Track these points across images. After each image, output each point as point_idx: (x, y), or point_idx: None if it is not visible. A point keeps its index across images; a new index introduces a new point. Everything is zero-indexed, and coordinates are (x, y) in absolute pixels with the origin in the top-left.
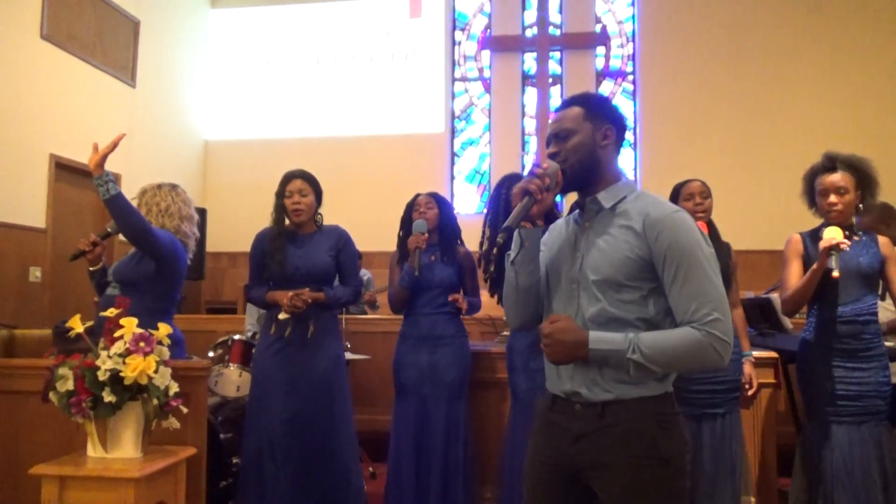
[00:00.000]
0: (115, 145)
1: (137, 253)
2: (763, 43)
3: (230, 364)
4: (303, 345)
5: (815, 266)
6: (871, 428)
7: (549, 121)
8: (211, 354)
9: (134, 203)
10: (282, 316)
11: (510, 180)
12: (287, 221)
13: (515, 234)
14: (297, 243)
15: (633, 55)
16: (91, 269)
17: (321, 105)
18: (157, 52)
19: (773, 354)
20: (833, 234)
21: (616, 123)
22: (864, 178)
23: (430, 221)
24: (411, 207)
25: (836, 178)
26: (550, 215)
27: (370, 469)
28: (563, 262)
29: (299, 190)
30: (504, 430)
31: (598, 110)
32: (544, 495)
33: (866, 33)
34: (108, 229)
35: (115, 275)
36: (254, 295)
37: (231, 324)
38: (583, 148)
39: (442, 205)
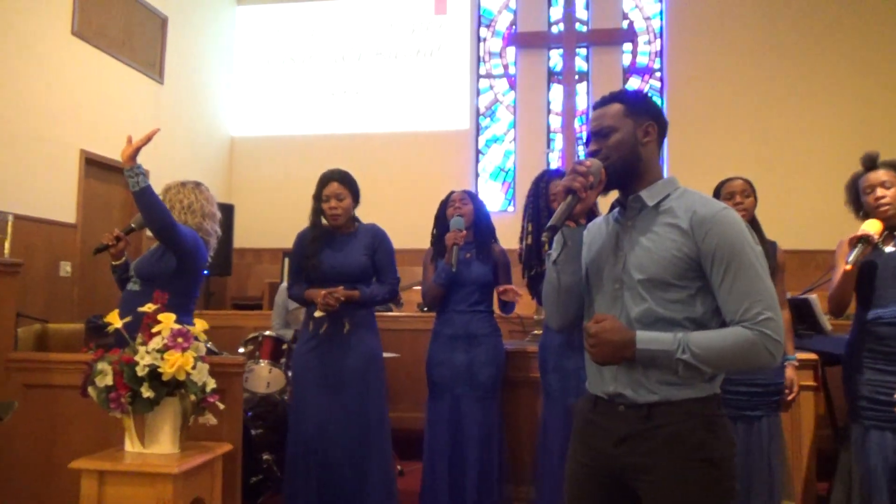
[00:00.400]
0: (148, 139)
1: (159, 249)
2: (793, 38)
3: (260, 360)
4: (338, 342)
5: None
6: None
7: (588, 118)
8: (241, 350)
9: None
10: (317, 314)
11: (548, 175)
12: (325, 221)
13: (558, 233)
14: (335, 244)
15: (661, 52)
16: (114, 263)
17: (346, 102)
18: (184, 48)
19: (813, 356)
20: (869, 228)
21: (657, 119)
22: None
23: (465, 218)
24: (445, 204)
25: (880, 173)
26: (590, 213)
27: (398, 467)
28: (604, 262)
29: (336, 194)
30: (537, 430)
31: (638, 106)
32: (585, 498)
33: None
34: (133, 225)
35: (137, 270)
36: (294, 293)
37: (258, 320)
38: (624, 145)
39: (476, 202)
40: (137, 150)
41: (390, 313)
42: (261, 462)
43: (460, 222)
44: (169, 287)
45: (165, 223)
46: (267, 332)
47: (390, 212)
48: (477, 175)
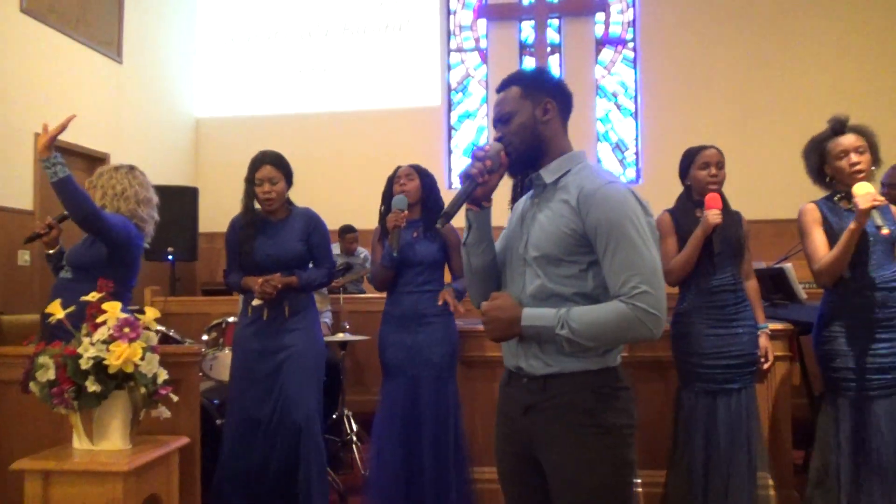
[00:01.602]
0: (63, 127)
1: (90, 237)
2: (766, 8)
3: (225, 347)
4: (277, 326)
5: (852, 227)
6: None
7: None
8: (205, 338)
9: (89, 185)
10: (255, 302)
11: None
12: (258, 206)
13: (465, 216)
14: (268, 230)
15: (634, 21)
16: (48, 252)
17: (314, 79)
18: (144, 26)
19: (788, 326)
20: (868, 189)
21: (556, 95)
22: (870, 143)
23: (411, 194)
24: (392, 180)
25: (852, 138)
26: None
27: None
28: (514, 241)
29: (269, 178)
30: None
31: (535, 86)
32: (507, 468)
33: None
34: (66, 212)
35: (69, 258)
36: (230, 280)
37: (227, 305)
38: (524, 128)
39: (424, 177)
40: (53, 138)
41: (362, 295)
42: None
43: (402, 202)
44: (101, 276)
45: (87, 213)
46: (231, 318)
47: (361, 192)
48: (450, 152)
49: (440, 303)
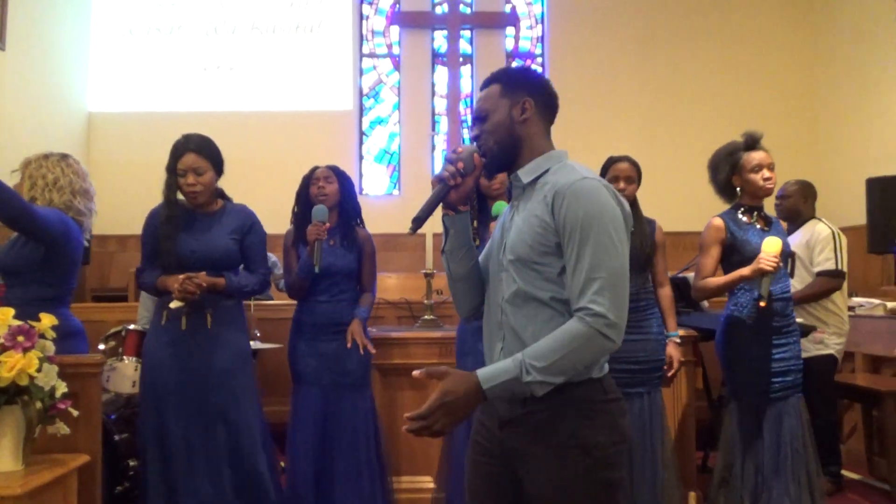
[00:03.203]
0: None
1: (21, 237)
2: (671, 25)
3: (124, 357)
4: (200, 337)
5: (744, 273)
6: (793, 401)
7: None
8: (102, 347)
9: (17, 176)
10: (173, 304)
11: None
12: (181, 197)
13: (442, 221)
14: (195, 225)
15: (542, 37)
16: None
17: (219, 78)
18: (32, 12)
19: (691, 332)
20: (773, 249)
21: (535, 94)
22: None
23: (329, 198)
24: (308, 181)
25: (764, 154)
26: None
27: (281, 464)
28: (495, 247)
29: (194, 168)
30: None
31: (514, 84)
32: (479, 480)
33: (771, 17)
34: None
35: None
36: (144, 280)
37: (123, 312)
38: (500, 127)
39: (342, 179)
40: None
41: (271, 302)
42: (127, 469)
43: (323, 213)
44: (37, 279)
45: (15, 209)
46: (131, 326)
47: (268, 196)
48: (361, 158)
49: (349, 345)
